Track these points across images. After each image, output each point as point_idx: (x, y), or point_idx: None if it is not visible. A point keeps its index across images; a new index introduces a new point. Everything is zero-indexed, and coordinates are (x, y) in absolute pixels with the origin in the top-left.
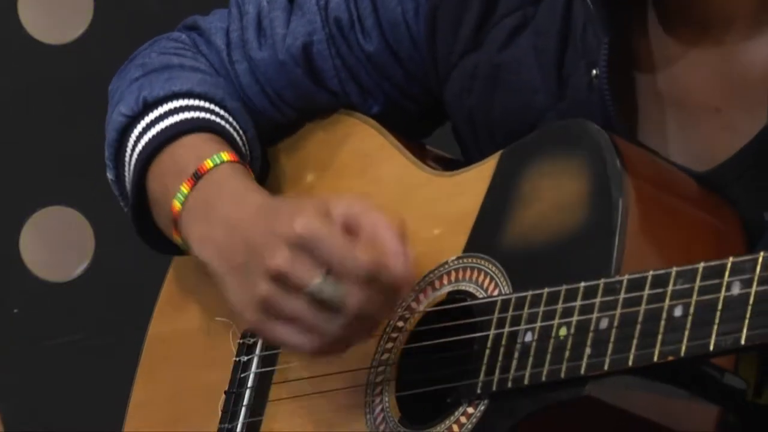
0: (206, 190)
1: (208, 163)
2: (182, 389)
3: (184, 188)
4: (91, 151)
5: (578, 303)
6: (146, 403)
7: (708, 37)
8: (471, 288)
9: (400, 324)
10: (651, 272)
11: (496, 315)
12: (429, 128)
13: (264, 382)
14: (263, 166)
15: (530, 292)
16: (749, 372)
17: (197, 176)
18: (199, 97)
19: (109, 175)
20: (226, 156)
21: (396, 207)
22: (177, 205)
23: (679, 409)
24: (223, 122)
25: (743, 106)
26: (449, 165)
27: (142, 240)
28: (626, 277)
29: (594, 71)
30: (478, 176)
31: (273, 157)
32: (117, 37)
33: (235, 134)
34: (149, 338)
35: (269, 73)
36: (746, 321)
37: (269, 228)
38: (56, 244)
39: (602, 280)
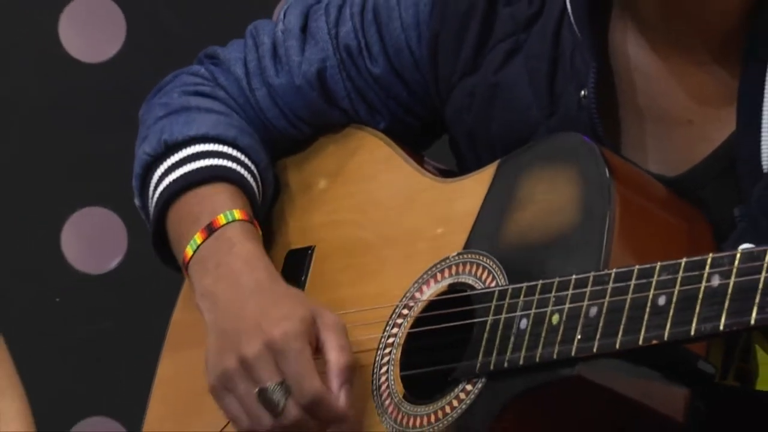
0: (217, 245)
1: (221, 219)
2: (201, 369)
3: (198, 238)
4: (124, 159)
5: (570, 292)
6: (171, 379)
7: (683, 58)
8: (470, 280)
9: (405, 311)
10: (637, 266)
11: (493, 303)
12: (428, 141)
13: None
14: (284, 178)
15: (525, 284)
16: (717, 358)
17: (210, 229)
18: (214, 140)
19: (137, 202)
20: (238, 214)
21: (401, 210)
22: (189, 251)
23: (658, 390)
24: (235, 165)
25: (713, 118)
26: (446, 174)
27: (162, 262)
28: (614, 270)
29: (583, 92)
30: (478, 182)
31: (291, 166)
32: (146, 56)
33: (246, 173)
34: (173, 322)
35: (287, 96)
36: (725, 310)
37: (259, 316)
38: (93, 241)
39: (592, 273)
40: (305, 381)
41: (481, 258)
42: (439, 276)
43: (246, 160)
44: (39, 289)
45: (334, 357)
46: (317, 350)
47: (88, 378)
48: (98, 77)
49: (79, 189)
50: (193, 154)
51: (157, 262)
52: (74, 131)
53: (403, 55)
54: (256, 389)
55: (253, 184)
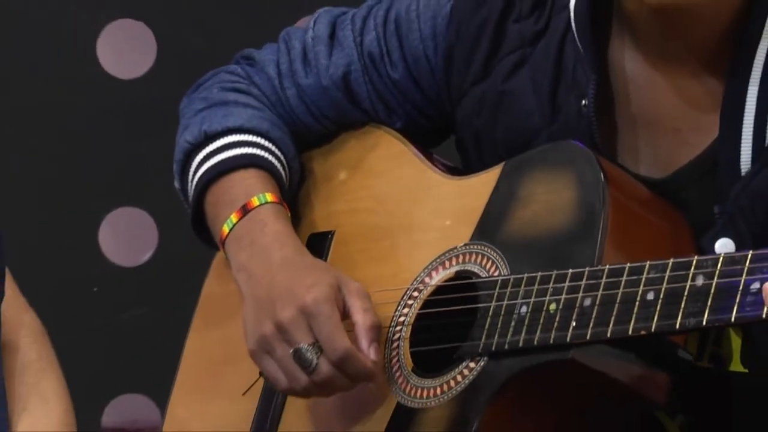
0: (251, 224)
1: (255, 201)
2: (230, 337)
3: (234, 218)
4: (154, 164)
5: (566, 284)
6: (200, 348)
7: (674, 71)
8: (475, 269)
9: (416, 294)
10: (628, 264)
11: (496, 290)
12: (438, 140)
13: None
14: (308, 168)
15: (526, 275)
16: (693, 347)
17: (245, 210)
18: (249, 131)
19: (176, 185)
20: (269, 197)
21: (414, 201)
22: (226, 230)
23: (642, 374)
24: (266, 154)
25: (697, 126)
26: (453, 171)
27: (199, 239)
28: (607, 266)
29: (583, 101)
30: (485, 181)
31: (316, 158)
32: (175, 73)
33: (275, 162)
34: (203, 297)
35: (314, 96)
36: (708, 307)
37: (291, 284)
38: (127, 237)
39: (587, 268)
40: (336, 340)
41: (485, 249)
42: (447, 263)
43: (276, 151)
44: (79, 280)
45: (361, 318)
46: (344, 315)
47: (123, 359)
48: (132, 92)
49: (115, 191)
50: (229, 143)
51: (183, 256)
52: (111, 140)
53: (420, 63)
54: (292, 350)
55: (282, 171)
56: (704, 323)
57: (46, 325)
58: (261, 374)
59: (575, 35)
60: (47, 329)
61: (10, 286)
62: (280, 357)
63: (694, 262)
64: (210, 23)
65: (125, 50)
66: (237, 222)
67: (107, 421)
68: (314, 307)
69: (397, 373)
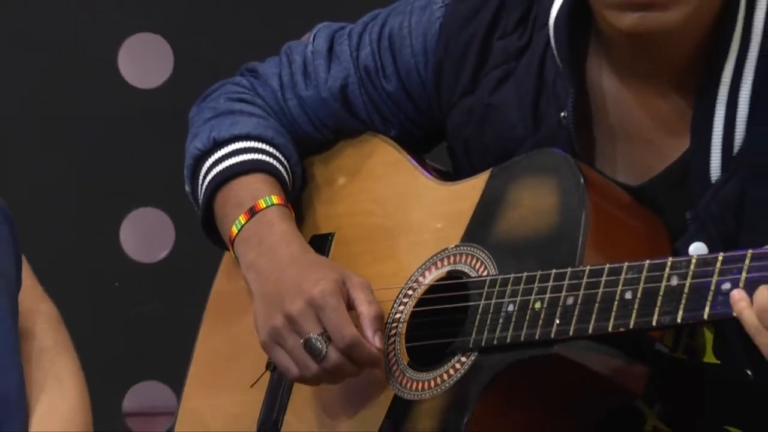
0: (258, 225)
1: (262, 203)
2: (238, 333)
3: (242, 219)
4: (172, 167)
5: (550, 284)
6: (210, 344)
7: (645, 89)
8: (466, 269)
9: (410, 292)
10: (607, 265)
11: (485, 289)
12: (430, 147)
13: None
14: (309, 173)
15: (512, 275)
16: (669, 340)
17: (253, 212)
18: (255, 139)
19: (187, 188)
20: (275, 199)
21: (409, 205)
22: (234, 230)
23: (622, 367)
24: (271, 159)
25: (669, 138)
26: (445, 175)
27: (208, 239)
28: (588, 267)
29: (563, 113)
30: (474, 186)
31: (316, 165)
32: (190, 83)
33: (280, 167)
34: (212, 294)
35: (314, 107)
36: (682, 306)
37: (298, 279)
38: (146, 236)
39: (569, 269)
40: (343, 329)
41: (475, 250)
42: (439, 264)
43: (280, 156)
44: (101, 275)
45: (365, 309)
46: (349, 307)
47: (141, 348)
48: (150, 101)
49: (135, 192)
50: (237, 150)
51: (198, 253)
52: (131, 145)
53: (412, 76)
54: (302, 340)
55: (286, 176)
56: (679, 321)
57: (71, 316)
58: (268, 367)
59: (554, 52)
60: (72, 321)
61: (28, 275)
62: (291, 347)
63: (669, 263)
64: (222, 37)
65: (144, 62)
66: (245, 223)
67: (127, 405)
68: (321, 299)
69: (394, 367)
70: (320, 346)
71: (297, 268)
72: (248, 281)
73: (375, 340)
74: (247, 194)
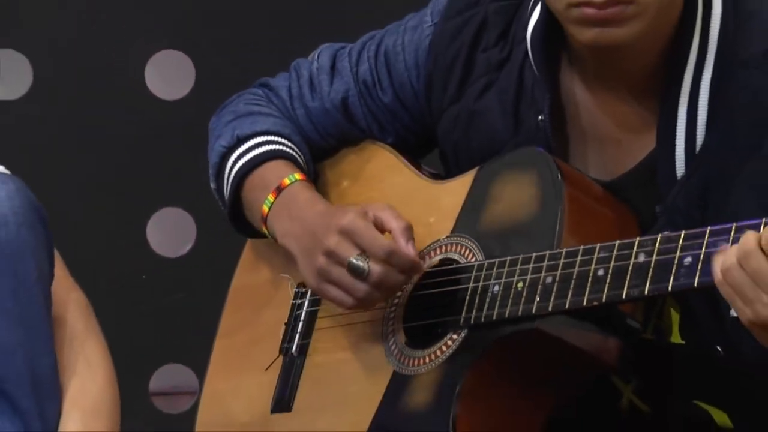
0: (286, 199)
1: (286, 181)
2: (256, 322)
3: (270, 197)
4: (193, 171)
5: (531, 266)
6: (230, 332)
7: (611, 95)
8: (456, 257)
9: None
10: (582, 246)
11: (473, 273)
12: (423, 152)
13: (312, 316)
14: (317, 177)
15: (497, 259)
16: (639, 317)
17: (279, 189)
18: (274, 134)
19: (212, 185)
20: (298, 176)
21: (406, 203)
22: (265, 209)
23: (597, 340)
24: (291, 151)
25: (636, 139)
26: (437, 177)
27: (235, 229)
28: (564, 249)
29: (540, 117)
30: (462, 183)
31: (320, 170)
32: (210, 95)
33: (299, 158)
34: (232, 288)
35: (319, 117)
36: (648, 279)
37: (327, 222)
38: (171, 232)
39: (548, 252)
40: (377, 241)
41: (464, 240)
42: (432, 253)
43: (297, 151)
44: (129, 269)
45: (395, 224)
46: (379, 229)
47: (167, 335)
48: (174, 111)
49: (160, 194)
50: (259, 143)
51: (217, 249)
52: (157, 151)
53: (405, 88)
54: (345, 265)
55: (305, 167)
56: (646, 293)
57: (102, 307)
58: (280, 351)
59: (531, 61)
60: (104, 310)
61: (60, 266)
62: (337, 278)
63: (637, 242)
64: (238, 54)
65: (169, 76)
66: (274, 200)
67: (154, 386)
68: (352, 224)
69: (393, 346)
70: (362, 264)
71: (325, 215)
72: (288, 247)
73: (409, 248)
74: (273, 176)
